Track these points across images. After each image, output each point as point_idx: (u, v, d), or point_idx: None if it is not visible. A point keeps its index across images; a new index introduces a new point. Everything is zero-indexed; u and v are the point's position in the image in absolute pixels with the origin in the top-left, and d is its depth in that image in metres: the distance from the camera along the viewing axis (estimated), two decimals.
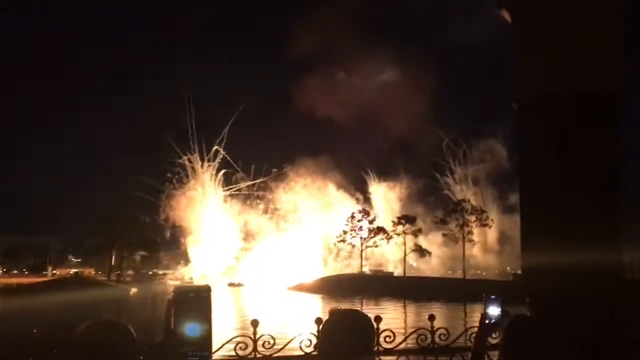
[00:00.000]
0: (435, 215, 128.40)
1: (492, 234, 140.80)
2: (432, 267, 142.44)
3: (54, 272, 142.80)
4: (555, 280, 4.73)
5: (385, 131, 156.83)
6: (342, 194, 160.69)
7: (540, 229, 4.94)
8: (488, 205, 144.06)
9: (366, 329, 3.63)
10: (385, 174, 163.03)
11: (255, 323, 6.12)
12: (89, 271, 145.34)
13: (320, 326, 3.82)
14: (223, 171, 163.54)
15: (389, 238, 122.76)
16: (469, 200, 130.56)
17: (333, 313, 3.65)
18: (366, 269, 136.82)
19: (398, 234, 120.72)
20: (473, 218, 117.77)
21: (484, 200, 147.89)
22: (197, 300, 4.02)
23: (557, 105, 5.03)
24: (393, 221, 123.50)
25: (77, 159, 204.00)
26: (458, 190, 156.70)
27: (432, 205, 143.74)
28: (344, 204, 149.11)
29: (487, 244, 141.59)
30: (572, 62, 5.05)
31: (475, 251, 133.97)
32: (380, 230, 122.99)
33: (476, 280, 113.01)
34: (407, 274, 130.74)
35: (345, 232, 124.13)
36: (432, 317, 6.37)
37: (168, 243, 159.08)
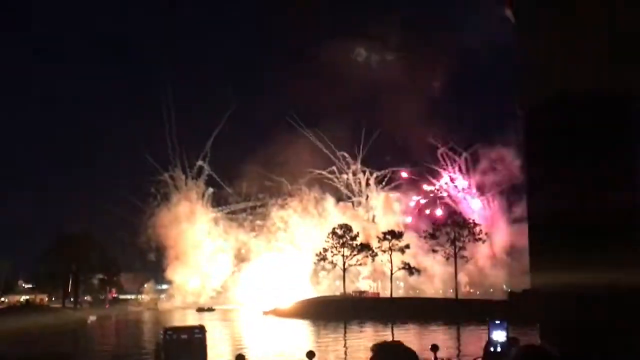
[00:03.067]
0: (424, 230, 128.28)
1: (501, 248, 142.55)
2: (435, 286, 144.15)
3: (1, 299, 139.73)
4: (569, 302, 4.65)
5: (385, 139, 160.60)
6: (342, 207, 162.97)
7: (550, 243, 4.86)
8: (496, 216, 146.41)
9: None
10: (389, 182, 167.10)
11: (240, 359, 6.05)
12: (41, 298, 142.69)
13: None
14: (211, 190, 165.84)
15: (373, 256, 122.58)
16: (460, 213, 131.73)
17: (378, 347, 3.54)
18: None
19: (384, 251, 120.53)
20: (466, 232, 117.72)
21: (491, 211, 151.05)
22: (190, 343, 3.79)
23: (564, 108, 5.00)
24: (378, 237, 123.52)
25: (35, 168, 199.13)
26: (462, 200, 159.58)
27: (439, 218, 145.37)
28: (345, 218, 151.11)
29: (495, 258, 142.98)
30: (578, 63, 5.03)
31: (482, 267, 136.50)
32: (364, 247, 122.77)
33: (468, 301, 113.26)
34: (407, 295, 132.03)
35: (325, 250, 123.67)
36: (434, 348, 6.27)
37: (141, 265, 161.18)
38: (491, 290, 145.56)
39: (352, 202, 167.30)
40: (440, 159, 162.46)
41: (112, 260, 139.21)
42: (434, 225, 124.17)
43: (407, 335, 66.33)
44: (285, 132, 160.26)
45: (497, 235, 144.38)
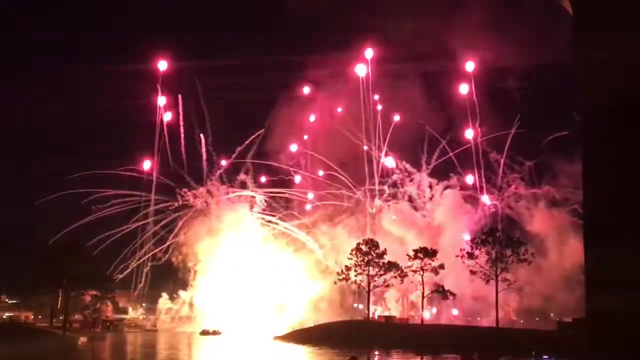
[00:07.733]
0: (461, 249, 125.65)
1: (573, 267, 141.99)
2: (492, 313, 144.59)
3: None
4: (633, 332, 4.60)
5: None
6: (402, 220, 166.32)
7: (612, 260, 4.82)
8: (567, 232, 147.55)
9: None
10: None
11: None
12: (27, 315, 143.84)
13: None
14: (263, 213, 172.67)
15: (402, 276, 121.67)
16: (502, 230, 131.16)
17: None
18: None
19: (415, 271, 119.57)
20: (509, 252, 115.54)
21: (560, 226, 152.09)
22: None
23: (624, 114, 5.01)
24: (408, 255, 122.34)
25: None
26: (526, 213, 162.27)
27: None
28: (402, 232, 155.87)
29: (566, 280, 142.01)
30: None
31: (544, 290, 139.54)
32: (392, 266, 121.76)
33: (509, 330, 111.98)
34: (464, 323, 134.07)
35: (348, 269, 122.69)
36: None
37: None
38: (537, 318, 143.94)
39: (416, 216, 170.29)
40: (501, 167, 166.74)
41: (107, 275, 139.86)
42: (472, 243, 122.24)
43: None
44: (334, 137, 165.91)
45: (569, 253, 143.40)
